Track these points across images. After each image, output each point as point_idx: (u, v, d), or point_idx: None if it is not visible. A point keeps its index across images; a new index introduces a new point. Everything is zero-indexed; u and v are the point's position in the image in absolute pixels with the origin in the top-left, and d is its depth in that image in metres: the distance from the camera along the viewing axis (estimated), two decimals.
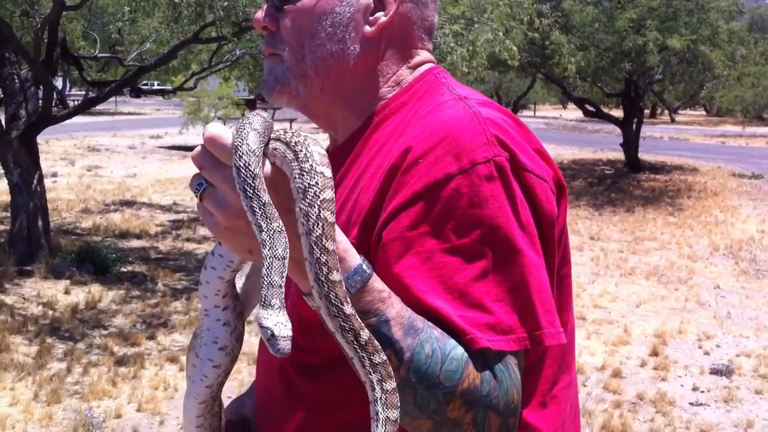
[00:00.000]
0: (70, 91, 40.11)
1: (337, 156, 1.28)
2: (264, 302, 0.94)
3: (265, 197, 0.96)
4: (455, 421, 1.03)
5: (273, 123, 1.04)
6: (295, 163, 1.00)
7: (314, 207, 0.98)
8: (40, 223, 8.90)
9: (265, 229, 0.95)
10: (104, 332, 6.84)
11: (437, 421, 1.03)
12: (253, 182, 0.95)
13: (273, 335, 0.92)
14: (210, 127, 1.01)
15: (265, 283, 0.94)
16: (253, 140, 0.98)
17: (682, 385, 6.15)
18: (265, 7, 1.30)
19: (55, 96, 9.08)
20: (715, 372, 6.39)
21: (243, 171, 0.96)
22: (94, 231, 11.18)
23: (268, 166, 1.01)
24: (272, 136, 1.03)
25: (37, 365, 5.95)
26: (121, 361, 6.14)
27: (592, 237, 12.10)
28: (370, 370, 0.98)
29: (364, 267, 1.04)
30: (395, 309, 1.04)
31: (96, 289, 8.05)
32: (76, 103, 11.11)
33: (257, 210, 0.95)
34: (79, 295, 7.81)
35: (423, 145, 1.12)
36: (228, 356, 1.21)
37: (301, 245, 0.99)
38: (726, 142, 32.23)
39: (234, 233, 1.02)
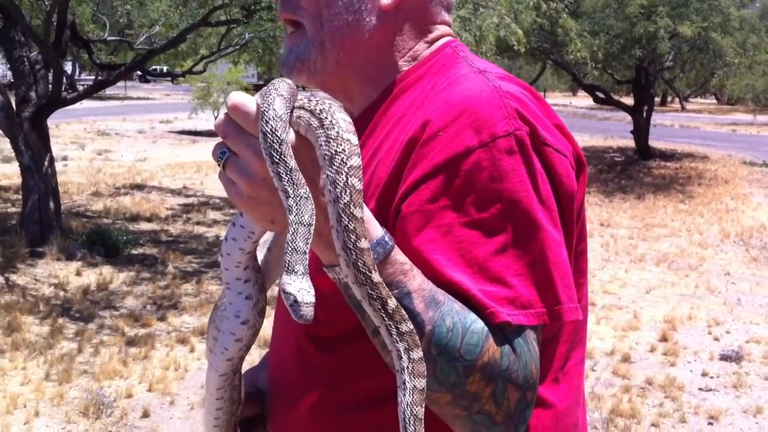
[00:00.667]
0: (79, 75, 40.15)
1: (356, 127, 1.28)
2: (288, 268, 0.93)
3: (292, 163, 0.95)
4: (474, 394, 1.03)
5: (297, 90, 1.03)
6: (321, 131, 0.99)
7: (341, 174, 0.97)
8: (51, 205, 8.94)
9: (292, 195, 0.94)
10: (115, 313, 6.88)
11: (456, 394, 1.03)
12: (279, 148, 0.95)
13: (296, 301, 0.91)
14: (234, 95, 1.00)
15: (290, 249, 0.93)
16: (280, 105, 0.97)
17: (691, 371, 6.15)
18: None
19: (64, 80, 9.08)
20: (724, 358, 6.38)
21: (269, 136, 0.95)
22: (104, 214, 11.23)
23: (292, 134, 0.99)
24: (296, 104, 1.01)
25: (49, 345, 5.99)
26: (131, 342, 6.18)
27: (602, 223, 12.08)
28: (397, 339, 0.97)
29: (387, 239, 1.03)
30: (417, 281, 1.03)
31: (107, 270, 8.08)
32: (85, 87, 11.13)
33: (284, 176, 0.94)
34: (91, 277, 7.85)
35: (443, 118, 1.11)
36: (250, 330, 1.18)
37: (328, 213, 0.98)
38: (737, 131, 32.09)
39: (257, 202, 1.02)
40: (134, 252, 8.96)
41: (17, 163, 9.19)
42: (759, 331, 7.15)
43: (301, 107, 1.01)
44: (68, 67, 26.82)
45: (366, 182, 1.17)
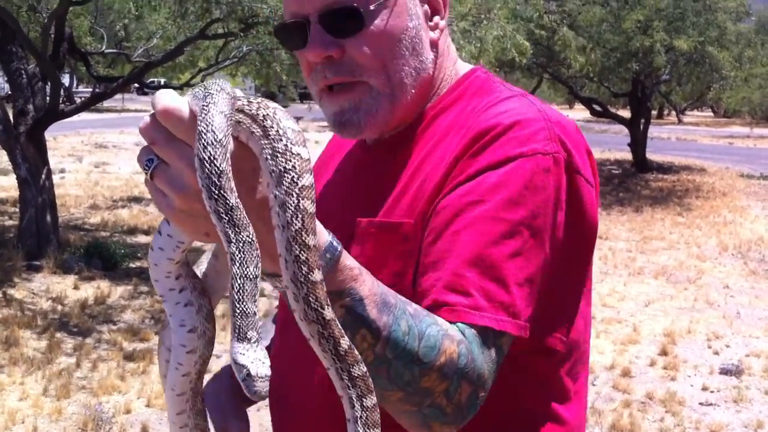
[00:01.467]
0: (77, 88, 40.19)
1: (386, 148, 1.32)
2: (239, 335, 0.83)
3: (233, 199, 0.83)
4: (427, 389, 1.03)
5: (237, 97, 0.91)
6: (266, 141, 0.88)
7: (292, 196, 0.86)
8: (48, 218, 8.91)
9: (234, 240, 0.83)
10: (113, 327, 6.84)
11: (409, 392, 1.02)
12: (218, 180, 0.82)
13: (249, 375, 0.81)
14: (162, 97, 0.88)
15: (238, 312, 0.83)
16: (220, 126, 0.83)
17: (691, 385, 6.13)
18: (313, 37, 1.23)
19: (62, 92, 9.08)
20: (724, 372, 6.37)
21: (207, 165, 0.82)
22: (102, 227, 11.20)
23: (230, 144, 0.87)
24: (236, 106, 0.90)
25: (47, 360, 5.95)
26: (130, 357, 6.14)
27: (600, 236, 12.05)
28: (349, 384, 0.89)
29: (335, 243, 0.97)
30: (367, 286, 1.00)
31: (104, 284, 8.05)
32: (82, 99, 11.12)
33: (223, 216, 0.83)
34: (88, 290, 7.82)
35: (490, 133, 1.16)
36: (201, 339, 1.08)
37: (275, 239, 0.89)
38: (734, 143, 32.16)
39: (190, 216, 0.91)
40: (132, 265, 8.93)
41: (14, 176, 9.17)
42: (759, 344, 7.13)
43: (241, 110, 0.90)
44: (65, 80, 26.83)
45: (409, 199, 1.22)
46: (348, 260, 0.99)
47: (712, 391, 6.00)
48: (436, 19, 1.31)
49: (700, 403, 5.78)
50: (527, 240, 1.11)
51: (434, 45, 1.31)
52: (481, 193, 1.12)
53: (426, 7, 1.29)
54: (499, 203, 1.11)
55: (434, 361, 1.01)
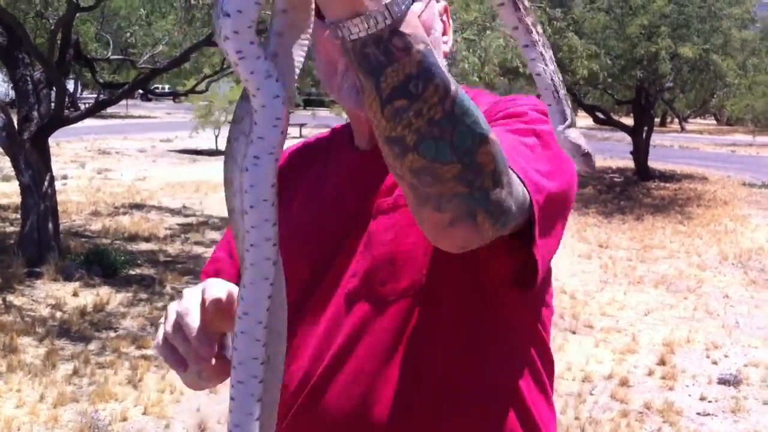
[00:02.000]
0: (81, 93, 40.27)
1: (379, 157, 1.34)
2: (571, 122, 0.95)
3: None
4: (481, 165, 1.00)
5: None
6: None
7: None
8: (50, 224, 8.93)
9: None
10: (112, 334, 6.86)
11: (465, 164, 0.98)
12: None
13: (588, 153, 0.95)
14: None
15: (562, 95, 0.96)
16: None
17: (689, 395, 6.12)
18: None
19: (66, 99, 9.11)
20: (723, 382, 6.36)
21: None
22: (103, 233, 11.22)
23: None
24: None
25: (45, 367, 5.97)
26: (128, 364, 6.15)
27: (601, 245, 12.06)
28: (524, 13, 0.95)
29: None
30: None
31: (104, 291, 8.07)
32: (87, 105, 11.14)
33: None
34: (88, 297, 7.83)
35: (491, 107, 1.31)
36: (287, 91, 0.95)
37: None
38: (736, 151, 32.10)
39: None
40: (132, 272, 8.95)
41: (17, 182, 9.20)
42: (757, 354, 7.12)
43: None
44: (70, 86, 26.89)
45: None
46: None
47: (710, 401, 6.00)
48: (445, 38, 1.41)
49: (698, 413, 5.77)
50: (537, 145, 1.21)
51: (444, 58, 1.40)
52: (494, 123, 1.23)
53: (440, 23, 1.41)
54: (504, 123, 1.24)
55: (490, 133, 1.00)
